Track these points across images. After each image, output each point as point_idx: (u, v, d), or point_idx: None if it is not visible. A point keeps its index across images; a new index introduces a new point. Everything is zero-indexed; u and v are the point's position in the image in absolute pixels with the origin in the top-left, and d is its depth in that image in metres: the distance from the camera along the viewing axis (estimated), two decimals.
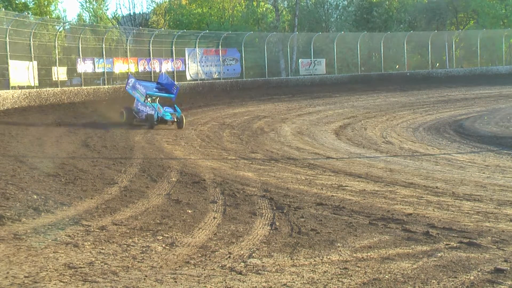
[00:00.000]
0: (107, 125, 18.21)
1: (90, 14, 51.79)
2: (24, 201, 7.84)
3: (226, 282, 4.83)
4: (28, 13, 34.18)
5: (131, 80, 19.67)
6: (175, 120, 18.20)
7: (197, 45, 34.26)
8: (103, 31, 34.18)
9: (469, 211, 7.51)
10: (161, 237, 6.30)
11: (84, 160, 11.94)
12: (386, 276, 4.93)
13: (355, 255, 5.62)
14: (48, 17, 34.67)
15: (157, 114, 18.05)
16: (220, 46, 35.23)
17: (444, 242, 6.00)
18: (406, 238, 6.20)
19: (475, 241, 6.00)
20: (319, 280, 4.88)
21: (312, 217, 7.29)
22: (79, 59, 28.35)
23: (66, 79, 29.02)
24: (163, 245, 5.99)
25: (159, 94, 19.17)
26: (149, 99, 18.60)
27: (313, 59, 38.65)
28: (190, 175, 10.39)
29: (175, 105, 18.95)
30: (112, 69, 30.31)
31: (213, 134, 17.15)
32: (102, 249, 5.82)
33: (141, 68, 31.38)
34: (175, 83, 21.30)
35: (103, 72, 29.67)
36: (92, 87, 28.46)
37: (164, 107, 18.49)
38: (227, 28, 41.57)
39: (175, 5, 50.08)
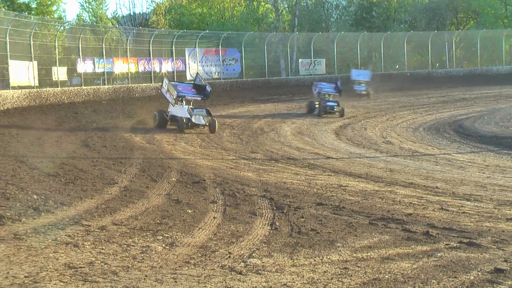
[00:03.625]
0: (107, 125, 18.20)
1: (90, 14, 51.82)
2: (24, 201, 7.84)
3: (226, 282, 4.83)
4: (30, 14, 34.10)
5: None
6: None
7: (197, 45, 34.24)
8: (103, 31, 34.15)
9: (469, 211, 7.51)
10: (161, 237, 6.30)
11: (84, 160, 11.93)
12: (386, 276, 4.93)
13: (355, 255, 5.62)
14: (48, 17, 34.63)
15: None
16: (220, 46, 35.21)
17: (444, 242, 6.00)
18: (406, 238, 6.20)
19: (475, 241, 6.00)
20: (319, 280, 4.88)
21: (312, 217, 7.28)
22: (79, 59, 28.33)
23: (66, 79, 28.97)
24: (163, 245, 5.99)
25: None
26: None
27: (313, 59, 38.63)
28: (190, 175, 10.39)
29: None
30: (112, 69, 30.29)
31: (213, 134, 17.14)
32: (102, 249, 5.82)
33: (141, 68, 31.36)
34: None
35: (103, 72, 29.64)
36: (92, 87, 28.42)
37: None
38: (227, 28, 41.54)
39: (176, 5, 50.08)
